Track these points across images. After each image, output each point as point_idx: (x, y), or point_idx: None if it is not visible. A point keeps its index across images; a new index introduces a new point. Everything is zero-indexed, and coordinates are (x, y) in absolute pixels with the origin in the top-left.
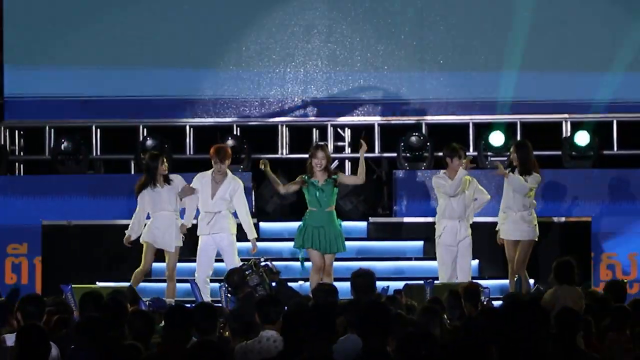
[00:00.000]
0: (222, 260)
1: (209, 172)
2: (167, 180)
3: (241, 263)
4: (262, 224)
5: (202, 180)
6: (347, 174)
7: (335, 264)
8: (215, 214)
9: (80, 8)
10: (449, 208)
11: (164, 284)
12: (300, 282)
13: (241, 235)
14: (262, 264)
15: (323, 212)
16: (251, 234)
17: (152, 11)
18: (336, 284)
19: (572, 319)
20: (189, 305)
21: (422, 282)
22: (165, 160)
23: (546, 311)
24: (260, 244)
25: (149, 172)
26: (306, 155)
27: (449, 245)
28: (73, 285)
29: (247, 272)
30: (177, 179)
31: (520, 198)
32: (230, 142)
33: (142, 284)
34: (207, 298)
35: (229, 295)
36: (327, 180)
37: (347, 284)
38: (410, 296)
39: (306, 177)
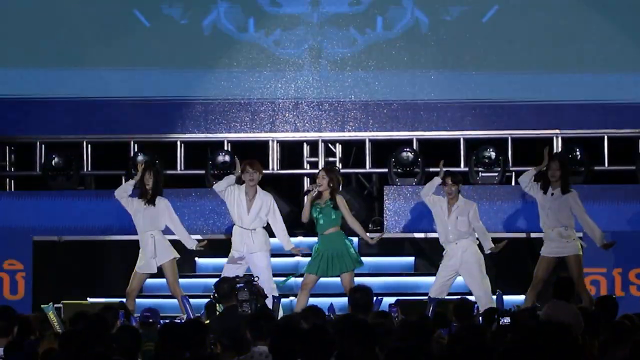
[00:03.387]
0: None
1: (242, 185)
2: (152, 201)
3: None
4: None
5: (238, 191)
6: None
7: (327, 279)
8: (251, 231)
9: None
10: (445, 232)
11: (159, 300)
12: (292, 298)
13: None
14: (255, 283)
15: (324, 235)
16: (288, 245)
17: (133, 28)
18: (329, 299)
19: (567, 335)
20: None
21: (416, 297)
22: (152, 174)
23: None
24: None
25: (141, 185)
26: (297, 171)
27: (449, 267)
28: (64, 302)
29: (238, 286)
30: (162, 203)
31: (555, 214)
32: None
33: (137, 300)
34: None
35: (213, 301)
36: (327, 202)
37: (340, 299)
38: (404, 312)
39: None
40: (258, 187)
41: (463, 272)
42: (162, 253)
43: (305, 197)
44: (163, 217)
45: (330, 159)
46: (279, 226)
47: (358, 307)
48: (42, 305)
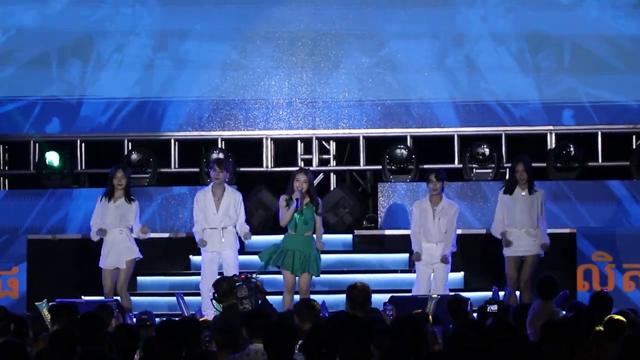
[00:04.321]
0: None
1: (209, 187)
2: (127, 198)
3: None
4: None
5: (203, 197)
6: (331, 186)
7: (322, 276)
8: (222, 230)
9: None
10: (427, 234)
11: (153, 298)
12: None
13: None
14: (254, 280)
15: (301, 236)
16: (243, 231)
17: (126, 29)
18: (323, 297)
19: (557, 330)
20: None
21: (410, 294)
22: (124, 174)
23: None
24: (244, 257)
25: (109, 183)
26: (291, 168)
27: (425, 266)
28: (59, 300)
29: (237, 284)
30: (134, 204)
31: (525, 213)
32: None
33: (132, 298)
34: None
35: (213, 301)
36: (308, 204)
37: (334, 297)
38: (399, 309)
39: (288, 199)
40: (226, 185)
41: (435, 268)
42: (128, 250)
43: (282, 200)
44: (131, 216)
45: (324, 156)
46: (241, 219)
47: (356, 304)
48: (35, 303)
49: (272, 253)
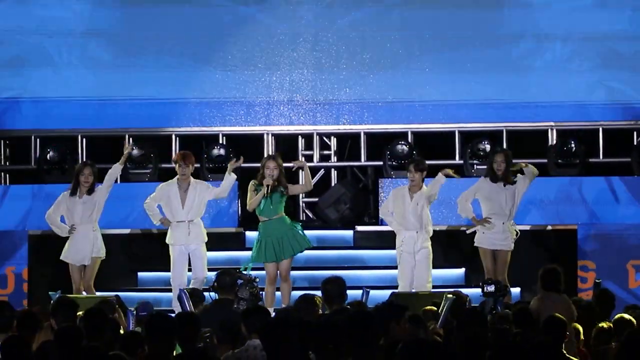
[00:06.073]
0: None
1: (174, 180)
2: (90, 192)
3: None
4: (248, 233)
5: (167, 190)
6: (332, 182)
7: (322, 272)
8: (189, 222)
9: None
10: (406, 220)
11: (154, 293)
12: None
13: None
14: (255, 284)
15: (272, 221)
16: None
17: (131, 26)
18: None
19: (559, 327)
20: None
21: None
22: (91, 171)
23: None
24: (246, 254)
25: (74, 179)
26: (291, 165)
27: (408, 254)
28: (59, 295)
29: (239, 281)
30: (98, 192)
31: (511, 204)
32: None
33: (133, 294)
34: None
35: (211, 289)
36: (275, 189)
37: None
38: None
39: (256, 184)
40: (191, 178)
41: (417, 261)
42: (96, 248)
43: (251, 185)
44: (97, 208)
45: (325, 152)
46: (218, 188)
47: (332, 297)
48: (50, 292)
49: (257, 250)
